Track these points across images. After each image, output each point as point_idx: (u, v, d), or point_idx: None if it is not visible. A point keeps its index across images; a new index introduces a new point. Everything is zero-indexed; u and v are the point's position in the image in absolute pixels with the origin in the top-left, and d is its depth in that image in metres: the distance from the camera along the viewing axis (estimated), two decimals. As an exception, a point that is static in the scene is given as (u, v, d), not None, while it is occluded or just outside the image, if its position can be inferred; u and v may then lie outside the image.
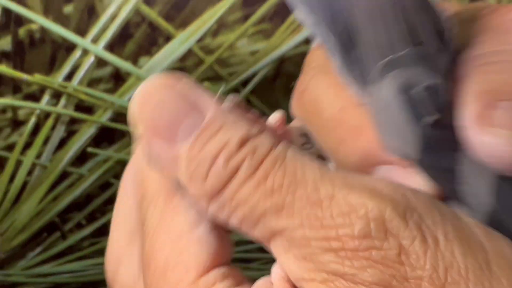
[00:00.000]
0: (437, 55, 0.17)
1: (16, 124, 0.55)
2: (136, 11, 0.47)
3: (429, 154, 0.16)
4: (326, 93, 0.17)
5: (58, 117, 0.52)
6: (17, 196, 0.59)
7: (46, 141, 0.55)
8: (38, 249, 0.62)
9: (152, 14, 0.46)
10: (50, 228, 0.61)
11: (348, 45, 0.17)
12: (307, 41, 0.47)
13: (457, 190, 0.16)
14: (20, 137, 0.55)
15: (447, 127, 0.16)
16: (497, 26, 0.17)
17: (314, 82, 0.17)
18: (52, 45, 0.51)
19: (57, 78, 0.50)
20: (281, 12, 0.48)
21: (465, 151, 0.16)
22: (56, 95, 0.51)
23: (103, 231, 0.62)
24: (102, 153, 0.56)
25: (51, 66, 0.52)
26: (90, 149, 0.56)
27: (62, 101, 0.50)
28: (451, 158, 0.16)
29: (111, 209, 0.63)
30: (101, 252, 0.65)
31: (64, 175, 0.58)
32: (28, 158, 0.56)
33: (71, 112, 0.51)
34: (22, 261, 0.63)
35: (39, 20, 0.47)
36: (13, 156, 0.56)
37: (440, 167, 0.16)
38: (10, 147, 0.57)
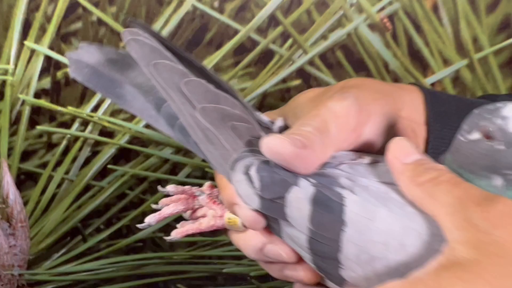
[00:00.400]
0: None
1: (50, 146, 0.65)
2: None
3: (265, 203, 0.29)
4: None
5: (85, 141, 0.64)
6: (47, 206, 0.68)
7: (74, 160, 0.66)
8: (62, 251, 0.70)
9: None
10: (73, 232, 0.69)
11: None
12: (284, 81, 0.61)
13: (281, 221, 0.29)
14: (52, 157, 0.65)
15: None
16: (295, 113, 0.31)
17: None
18: (82, 85, 0.62)
19: (86, 110, 0.62)
20: (264, 59, 0.61)
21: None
22: (84, 123, 0.63)
23: (119, 234, 0.71)
24: (120, 169, 0.68)
25: (81, 100, 0.63)
26: (110, 166, 0.67)
27: (89, 127, 0.62)
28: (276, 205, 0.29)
29: (126, 216, 0.70)
30: (116, 252, 0.73)
31: (87, 188, 0.68)
32: (58, 174, 0.66)
33: (95, 136, 0.63)
34: (47, 261, 0.71)
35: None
36: (45, 172, 0.66)
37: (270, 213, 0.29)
38: (43, 165, 0.66)
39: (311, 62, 0.60)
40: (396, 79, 0.61)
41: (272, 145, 0.27)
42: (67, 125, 0.63)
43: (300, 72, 0.61)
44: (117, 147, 0.65)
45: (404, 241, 0.26)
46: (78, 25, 0.60)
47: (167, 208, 0.32)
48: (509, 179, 0.27)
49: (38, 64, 0.60)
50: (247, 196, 0.28)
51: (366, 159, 0.29)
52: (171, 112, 0.29)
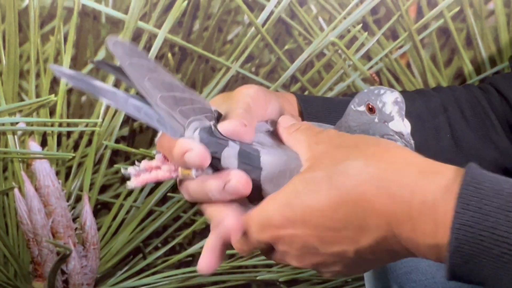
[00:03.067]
0: (211, 118, 0.37)
1: (124, 180, 0.74)
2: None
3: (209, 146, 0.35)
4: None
5: None
6: (116, 229, 0.75)
7: (141, 190, 0.74)
8: (125, 268, 0.77)
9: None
10: (135, 251, 0.77)
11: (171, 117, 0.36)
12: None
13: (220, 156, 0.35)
14: (124, 189, 0.74)
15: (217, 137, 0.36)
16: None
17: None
18: (153, 131, 0.69)
19: (153, 151, 0.71)
20: None
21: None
22: (152, 159, 0.73)
23: (172, 251, 0.78)
24: (177, 196, 0.75)
25: (150, 143, 0.73)
26: (169, 194, 0.75)
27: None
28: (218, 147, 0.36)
29: (179, 234, 0.77)
30: (170, 267, 0.79)
31: (150, 213, 0.75)
32: (128, 202, 0.75)
33: (159, 170, 0.74)
34: (112, 278, 0.78)
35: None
36: (118, 202, 0.75)
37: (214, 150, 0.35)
38: (117, 196, 0.75)
39: None
40: (405, 90, 0.71)
41: (227, 128, 0.36)
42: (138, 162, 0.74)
43: (314, 115, 0.74)
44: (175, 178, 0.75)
45: (289, 166, 0.35)
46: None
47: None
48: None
49: (120, 118, 0.70)
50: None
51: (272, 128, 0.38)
52: (135, 104, 0.36)
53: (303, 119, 0.44)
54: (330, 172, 0.33)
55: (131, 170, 0.39)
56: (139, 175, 0.38)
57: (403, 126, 0.36)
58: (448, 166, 0.32)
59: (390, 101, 0.36)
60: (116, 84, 0.68)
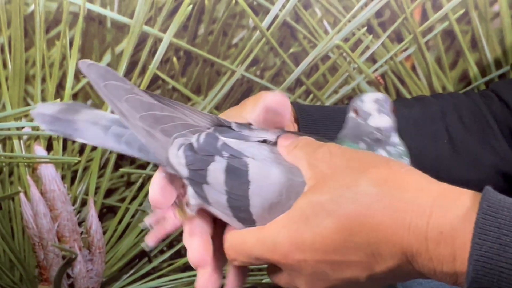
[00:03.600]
0: (195, 132, 0.35)
1: (129, 184, 0.74)
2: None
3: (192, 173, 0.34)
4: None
5: None
6: (122, 233, 0.75)
7: (146, 194, 0.73)
8: (130, 272, 0.77)
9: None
10: (141, 255, 0.76)
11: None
12: None
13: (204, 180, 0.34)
14: (130, 192, 0.74)
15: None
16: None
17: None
18: None
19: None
20: None
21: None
22: (156, 164, 0.74)
23: (178, 254, 0.77)
24: None
25: None
26: None
27: None
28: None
29: None
30: (175, 270, 0.78)
31: None
32: (133, 206, 0.74)
33: (164, 174, 0.74)
34: (117, 282, 0.78)
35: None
36: (123, 205, 0.74)
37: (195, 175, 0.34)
38: (122, 200, 0.75)
39: None
40: (405, 96, 0.71)
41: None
42: (143, 166, 0.73)
43: (319, 118, 0.75)
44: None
45: (288, 189, 0.33)
46: (158, 92, 0.69)
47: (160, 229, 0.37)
48: (368, 143, 0.35)
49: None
50: (179, 165, 0.35)
51: (275, 139, 0.36)
52: (116, 133, 0.36)
53: (299, 127, 0.43)
54: (339, 198, 0.32)
55: (146, 221, 0.38)
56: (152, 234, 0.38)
57: (380, 120, 0.36)
58: (463, 190, 0.31)
59: (369, 99, 0.36)
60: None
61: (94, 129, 0.37)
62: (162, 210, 0.38)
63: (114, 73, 0.36)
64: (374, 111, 0.36)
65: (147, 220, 0.38)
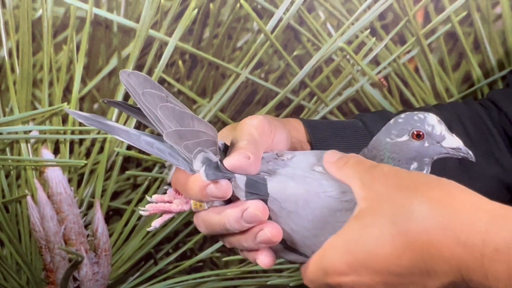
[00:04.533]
0: (216, 152, 0.37)
1: (135, 186, 0.74)
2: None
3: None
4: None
5: (162, 180, 0.74)
6: (128, 236, 0.75)
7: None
8: (136, 274, 0.77)
9: (224, 116, 0.72)
10: (147, 257, 0.77)
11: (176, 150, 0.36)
12: None
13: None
14: (136, 195, 0.74)
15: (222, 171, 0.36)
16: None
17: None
18: None
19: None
20: (297, 112, 0.72)
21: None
22: (163, 166, 0.73)
23: (184, 256, 0.78)
24: None
25: None
26: None
27: (166, 170, 0.73)
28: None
29: (190, 240, 0.77)
30: (181, 272, 0.78)
31: None
32: (139, 209, 0.74)
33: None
34: (123, 284, 0.78)
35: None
36: (129, 208, 0.75)
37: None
38: (128, 202, 0.75)
39: (331, 112, 0.72)
40: (410, 107, 0.72)
41: (232, 163, 0.36)
42: (149, 169, 0.73)
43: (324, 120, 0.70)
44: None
45: (307, 200, 0.36)
46: (163, 94, 0.72)
47: (163, 208, 0.39)
48: (424, 163, 0.37)
49: (132, 124, 0.70)
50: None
51: (284, 156, 0.38)
52: (147, 141, 0.38)
53: (311, 145, 0.44)
54: (394, 217, 0.32)
55: (147, 207, 0.40)
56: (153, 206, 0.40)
57: (458, 140, 0.37)
58: None
59: (436, 122, 0.37)
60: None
61: (128, 132, 0.39)
62: (175, 193, 0.40)
63: (152, 82, 0.38)
64: (446, 133, 0.38)
65: (156, 198, 0.40)
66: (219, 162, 0.38)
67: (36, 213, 0.74)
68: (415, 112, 0.38)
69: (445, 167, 0.48)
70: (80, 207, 0.75)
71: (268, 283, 0.79)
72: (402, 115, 0.38)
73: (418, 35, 0.71)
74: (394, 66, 0.71)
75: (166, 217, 0.41)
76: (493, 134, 0.52)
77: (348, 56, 0.71)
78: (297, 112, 0.73)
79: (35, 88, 0.70)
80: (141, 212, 0.40)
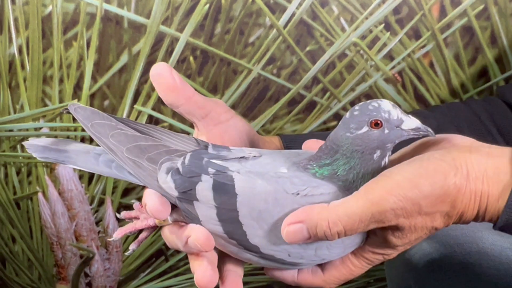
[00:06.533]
0: (181, 155, 0.38)
1: None
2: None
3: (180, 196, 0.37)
4: None
5: None
6: (139, 232, 0.75)
7: None
8: (147, 271, 0.77)
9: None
10: (158, 254, 0.77)
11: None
12: (324, 123, 0.72)
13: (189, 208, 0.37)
14: None
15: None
16: None
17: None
18: None
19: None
20: (309, 108, 0.72)
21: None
22: None
23: None
24: None
25: None
26: None
27: None
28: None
29: None
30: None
31: None
32: None
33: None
34: (134, 281, 0.78)
35: (168, 120, 0.72)
36: None
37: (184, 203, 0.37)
38: (139, 199, 0.67)
39: (344, 108, 0.71)
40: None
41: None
42: None
43: (336, 116, 0.72)
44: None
45: (276, 197, 0.36)
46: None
47: (137, 226, 0.39)
48: (387, 149, 0.37)
49: (143, 121, 0.70)
50: (169, 189, 0.38)
51: (251, 154, 0.38)
52: (107, 159, 0.39)
53: None
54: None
55: (116, 233, 0.41)
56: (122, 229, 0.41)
57: (415, 120, 0.38)
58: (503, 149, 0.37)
59: (391, 107, 0.37)
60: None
61: (85, 156, 0.40)
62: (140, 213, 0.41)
63: (100, 113, 0.39)
64: (402, 115, 0.37)
65: (124, 214, 0.41)
66: (187, 158, 0.38)
67: (47, 209, 0.74)
68: (368, 102, 0.38)
69: None
70: (91, 203, 0.75)
71: (274, 279, 0.79)
72: (356, 107, 0.38)
73: (433, 29, 0.70)
74: (408, 61, 0.71)
75: (141, 237, 0.41)
76: (492, 132, 0.52)
77: (361, 51, 0.71)
78: (309, 108, 0.73)
79: (45, 85, 0.70)
80: (112, 238, 0.41)
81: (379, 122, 0.37)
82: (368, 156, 0.37)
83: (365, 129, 0.37)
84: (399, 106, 0.51)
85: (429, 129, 0.38)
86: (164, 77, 0.39)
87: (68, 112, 0.40)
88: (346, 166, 0.37)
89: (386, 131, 0.37)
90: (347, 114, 0.38)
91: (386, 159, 0.38)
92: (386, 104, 0.37)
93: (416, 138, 0.38)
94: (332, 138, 0.38)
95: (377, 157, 0.37)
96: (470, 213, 0.36)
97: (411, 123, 0.37)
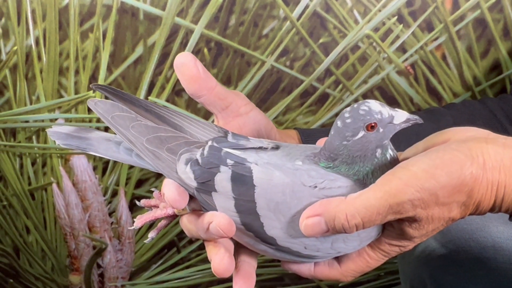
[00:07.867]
0: (200, 146, 0.38)
1: (159, 174, 0.70)
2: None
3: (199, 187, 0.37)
4: None
5: None
6: (151, 224, 0.74)
7: None
8: (159, 262, 0.77)
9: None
10: (170, 245, 0.77)
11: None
12: (337, 115, 0.71)
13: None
14: (160, 183, 0.73)
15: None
16: None
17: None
18: None
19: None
20: (322, 100, 0.72)
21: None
22: None
23: None
24: None
25: None
26: None
27: None
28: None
29: None
30: (203, 261, 0.79)
31: None
32: None
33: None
34: (146, 272, 0.78)
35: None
36: (153, 196, 0.75)
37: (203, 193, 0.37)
38: (152, 191, 0.75)
39: (356, 100, 0.72)
40: (419, 109, 0.72)
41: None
42: None
43: (349, 108, 0.75)
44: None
45: (293, 189, 0.36)
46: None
47: (155, 215, 0.39)
48: (385, 145, 0.37)
49: None
50: (188, 179, 0.38)
51: (269, 146, 0.39)
52: (127, 147, 0.39)
53: None
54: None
55: (136, 221, 0.41)
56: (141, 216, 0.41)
57: (403, 113, 0.38)
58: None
59: (380, 107, 0.38)
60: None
61: (107, 144, 0.40)
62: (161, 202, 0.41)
63: (119, 105, 0.39)
64: (391, 111, 0.38)
65: (143, 202, 0.41)
66: (206, 149, 0.38)
67: (61, 200, 0.74)
68: (356, 106, 0.38)
69: None
70: (104, 195, 0.75)
71: (290, 272, 0.80)
72: (346, 114, 0.38)
73: (446, 21, 0.70)
74: (421, 53, 0.71)
75: (161, 225, 0.41)
76: (509, 131, 0.51)
77: (374, 44, 0.71)
78: (322, 100, 0.73)
79: (61, 76, 0.71)
80: (133, 227, 0.41)
81: (373, 124, 0.37)
82: (371, 156, 0.38)
83: (361, 133, 0.37)
84: (411, 99, 0.52)
85: (417, 117, 0.38)
86: (188, 67, 0.39)
87: (96, 90, 0.40)
88: (349, 172, 0.37)
89: (381, 130, 0.37)
90: (339, 123, 0.38)
91: (391, 152, 0.38)
92: (375, 105, 0.37)
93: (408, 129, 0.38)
94: (328, 148, 0.38)
95: (380, 154, 0.38)
96: (486, 203, 0.36)
97: (401, 116, 0.38)
